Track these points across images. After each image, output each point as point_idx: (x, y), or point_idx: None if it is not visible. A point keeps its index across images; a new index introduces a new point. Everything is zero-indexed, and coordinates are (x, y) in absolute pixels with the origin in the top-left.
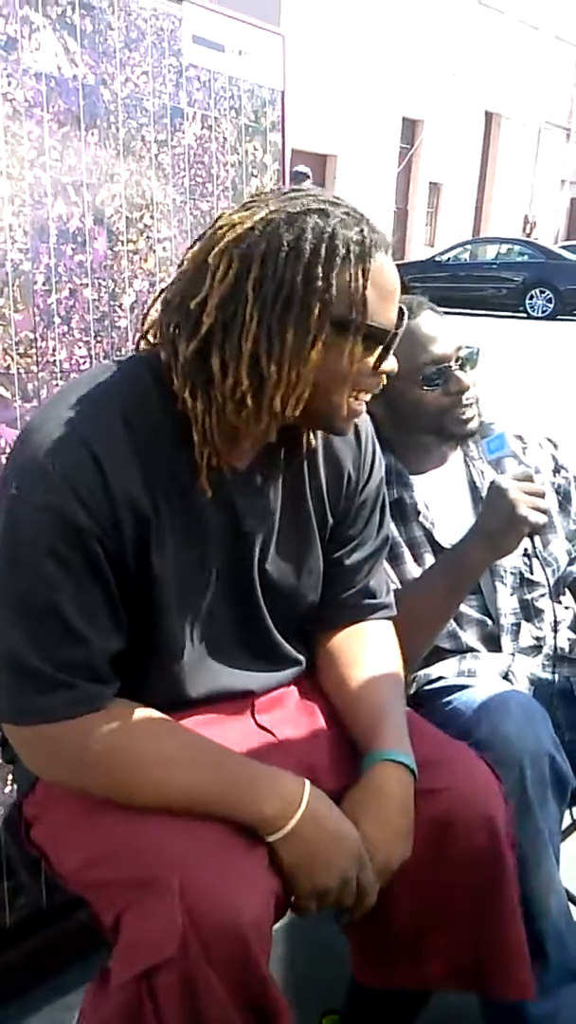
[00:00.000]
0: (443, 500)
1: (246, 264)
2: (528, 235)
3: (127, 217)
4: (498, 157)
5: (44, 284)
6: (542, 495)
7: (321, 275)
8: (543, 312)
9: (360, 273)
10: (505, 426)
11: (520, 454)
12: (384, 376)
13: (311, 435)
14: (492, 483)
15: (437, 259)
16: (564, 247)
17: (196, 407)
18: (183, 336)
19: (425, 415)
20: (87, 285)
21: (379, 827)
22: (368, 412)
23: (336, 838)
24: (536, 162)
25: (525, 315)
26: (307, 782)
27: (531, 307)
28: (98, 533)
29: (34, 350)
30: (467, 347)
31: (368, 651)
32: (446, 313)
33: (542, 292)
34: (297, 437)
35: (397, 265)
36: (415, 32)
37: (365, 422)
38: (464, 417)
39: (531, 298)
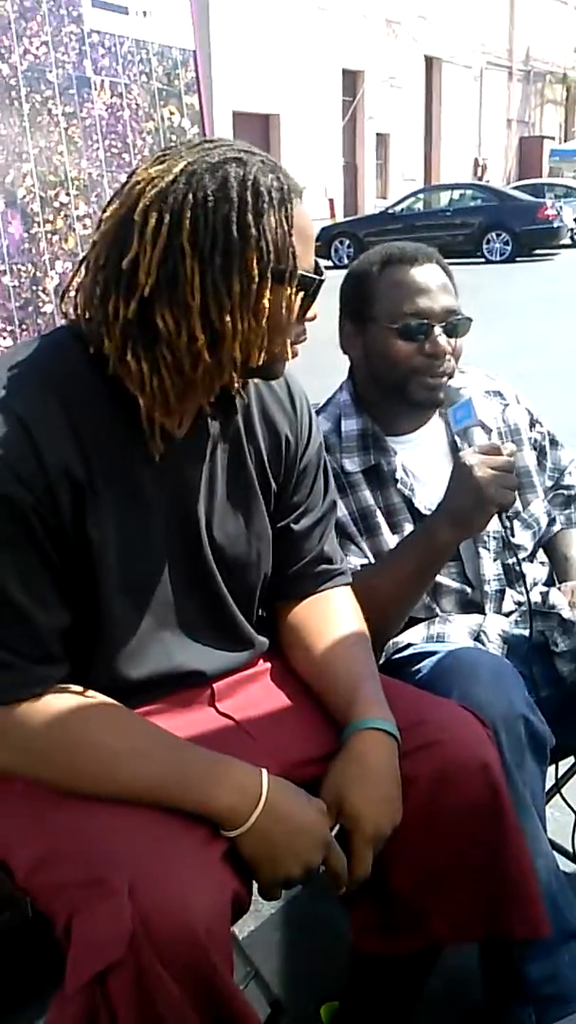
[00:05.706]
0: (424, 463)
1: (175, 218)
2: (480, 178)
3: (41, 197)
4: (443, 102)
5: None
6: (510, 469)
7: (252, 223)
8: (501, 256)
9: (284, 219)
10: (474, 392)
11: (502, 413)
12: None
13: (242, 394)
14: (457, 459)
15: (391, 211)
16: (516, 187)
17: (141, 368)
18: (120, 297)
19: (392, 368)
20: (5, 272)
21: (366, 796)
22: (347, 355)
23: (298, 828)
24: (481, 104)
25: (484, 260)
26: (264, 772)
27: (489, 251)
28: (33, 504)
29: None
30: (460, 315)
31: (333, 620)
32: None
33: (499, 235)
34: (229, 400)
35: (352, 220)
36: None
37: (299, 389)
38: (430, 384)
39: (488, 242)
